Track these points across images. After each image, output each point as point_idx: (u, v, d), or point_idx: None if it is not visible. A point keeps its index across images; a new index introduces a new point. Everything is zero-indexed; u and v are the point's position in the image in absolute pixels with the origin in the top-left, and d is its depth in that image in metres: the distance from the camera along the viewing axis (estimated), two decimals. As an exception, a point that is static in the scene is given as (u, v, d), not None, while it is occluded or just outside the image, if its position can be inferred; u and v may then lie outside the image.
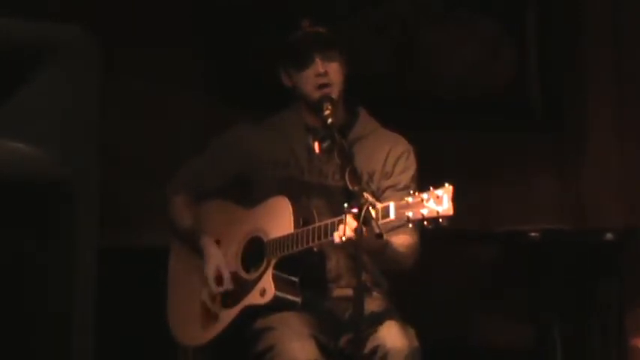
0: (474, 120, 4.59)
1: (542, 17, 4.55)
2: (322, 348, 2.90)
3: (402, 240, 3.00)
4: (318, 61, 3.08)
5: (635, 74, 4.47)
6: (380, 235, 2.64)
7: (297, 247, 2.95)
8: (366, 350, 2.86)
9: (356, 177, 2.78)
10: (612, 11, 4.51)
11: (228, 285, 3.09)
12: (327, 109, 3.00)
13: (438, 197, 2.57)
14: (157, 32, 4.44)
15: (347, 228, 2.73)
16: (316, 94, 3.08)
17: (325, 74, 3.08)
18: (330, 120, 2.98)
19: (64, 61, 1.60)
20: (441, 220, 2.57)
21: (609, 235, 3.98)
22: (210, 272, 3.11)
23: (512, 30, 4.59)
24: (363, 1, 4.66)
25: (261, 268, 3.04)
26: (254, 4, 4.61)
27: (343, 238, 2.76)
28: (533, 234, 3.99)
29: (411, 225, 2.67)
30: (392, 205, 2.67)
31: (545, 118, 4.59)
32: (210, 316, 3.14)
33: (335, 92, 3.09)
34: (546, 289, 4.04)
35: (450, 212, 2.56)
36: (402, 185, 3.13)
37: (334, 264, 3.10)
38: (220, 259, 3.13)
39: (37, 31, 1.61)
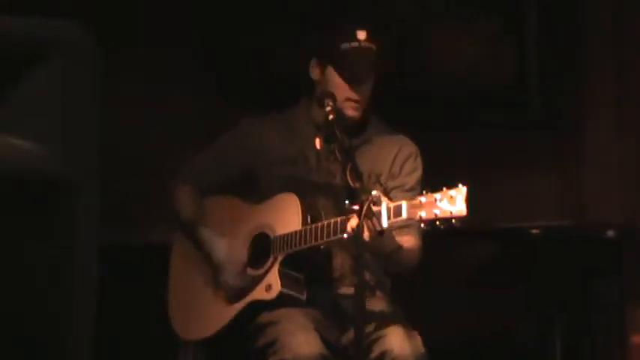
0: (473, 119, 4.59)
1: (542, 16, 4.55)
2: (325, 343, 2.91)
3: (407, 241, 3.00)
4: (358, 79, 3.09)
5: (635, 73, 4.47)
6: (381, 232, 2.65)
7: (304, 244, 2.95)
8: (373, 355, 2.88)
9: (357, 174, 2.78)
10: (612, 10, 4.52)
11: (239, 260, 3.10)
12: (328, 105, 3.00)
13: (451, 197, 2.58)
14: (156, 32, 4.45)
15: (348, 225, 2.76)
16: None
17: (358, 93, 3.09)
18: (331, 116, 2.97)
19: (62, 58, 1.59)
20: (453, 220, 2.58)
21: (610, 232, 3.97)
22: (221, 253, 3.13)
23: (512, 29, 4.59)
24: (363, 0, 4.67)
25: (267, 264, 3.04)
26: (254, 3, 4.61)
27: (345, 235, 2.78)
28: (533, 231, 4.00)
29: (423, 225, 2.67)
30: (404, 204, 2.68)
31: (545, 116, 4.58)
32: (213, 311, 3.14)
33: (360, 109, 3.11)
34: (546, 287, 4.03)
35: (464, 213, 2.56)
36: (408, 186, 3.13)
37: (339, 263, 3.11)
38: (224, 251, 3.14)
39: (34, 29, 1.60)
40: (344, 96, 3.08)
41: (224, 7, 4.58)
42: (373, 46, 3.11)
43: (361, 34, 3.10)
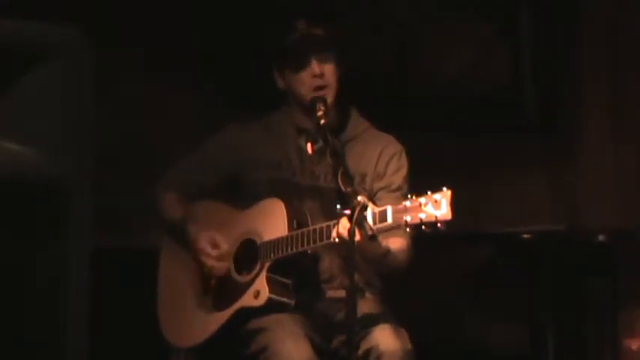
0: (467, 120, 4.59)
1: (537, 18, 4.54)
2: (316, 348, 2.91)
3: (395, 243, 2.99)
4: (314, 63, 3.07)
5: (630, 76, 4.47)
6: (373, 237, 2.66)
7: (291, 250, 2.95)
8: (360, 352, 2.87)
9: (348, 178, 2.79)
10: (607, 12, 4.52)
11: (224, 246, 3.09)
12: (319, 109, 3.00)
13: (436, 201, 2.57)
14: (156, 32, 4.46)
15: (340, 228, 2.75)
16: (310, 96, 3.08)
17: (321, 76, 3.08)
18: (322, 121, 2.98)
19: (56, 61, 1.59)
20: (439, 224, 2.58)
21: (602, 237, 3.97)
22: (204, 240, 3.10)
23: (508, 31, 4.59)
24: (361, 1, 4.67)
25: (255, 271, 3.04)
26: (254, 4, 4.62)
27: (337, 239, 2.78)
28: (525, 235, 3.99)
29: (408, 229, 2.67)
30: (389, 209, 2.68)
31: (539, 119, 4.57)
32: (202, 318, 3.14)
33: (330, 94, 3.09)
34: (539, 291, 4.03)
35: (449, 217, 2.56)
36: (395, 186, 3.13)
37: (327, 265, 3.10)
38: (211, 232, 3.13)
39: (29, 32, 1.60)
40: (308, 86, 3.08)
41: (224, 7, 4.59)
42: (317, 31, 3.13)
43: (300, 24, 3.13)
